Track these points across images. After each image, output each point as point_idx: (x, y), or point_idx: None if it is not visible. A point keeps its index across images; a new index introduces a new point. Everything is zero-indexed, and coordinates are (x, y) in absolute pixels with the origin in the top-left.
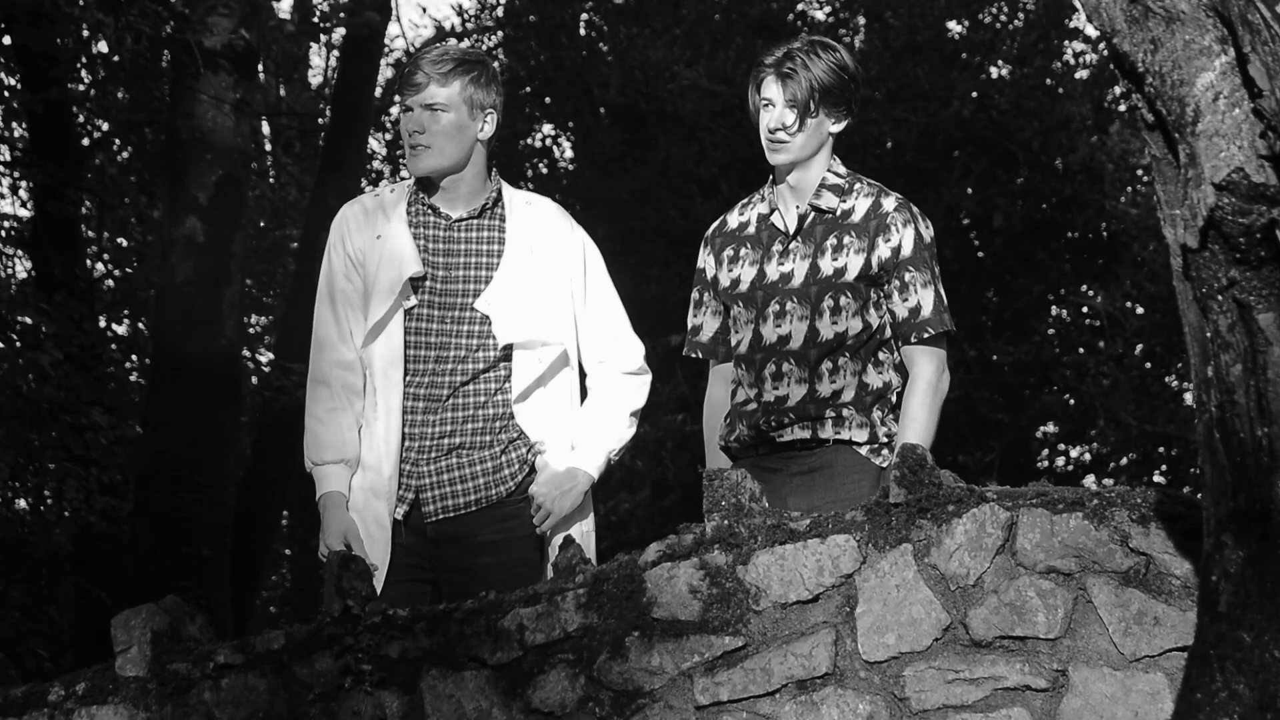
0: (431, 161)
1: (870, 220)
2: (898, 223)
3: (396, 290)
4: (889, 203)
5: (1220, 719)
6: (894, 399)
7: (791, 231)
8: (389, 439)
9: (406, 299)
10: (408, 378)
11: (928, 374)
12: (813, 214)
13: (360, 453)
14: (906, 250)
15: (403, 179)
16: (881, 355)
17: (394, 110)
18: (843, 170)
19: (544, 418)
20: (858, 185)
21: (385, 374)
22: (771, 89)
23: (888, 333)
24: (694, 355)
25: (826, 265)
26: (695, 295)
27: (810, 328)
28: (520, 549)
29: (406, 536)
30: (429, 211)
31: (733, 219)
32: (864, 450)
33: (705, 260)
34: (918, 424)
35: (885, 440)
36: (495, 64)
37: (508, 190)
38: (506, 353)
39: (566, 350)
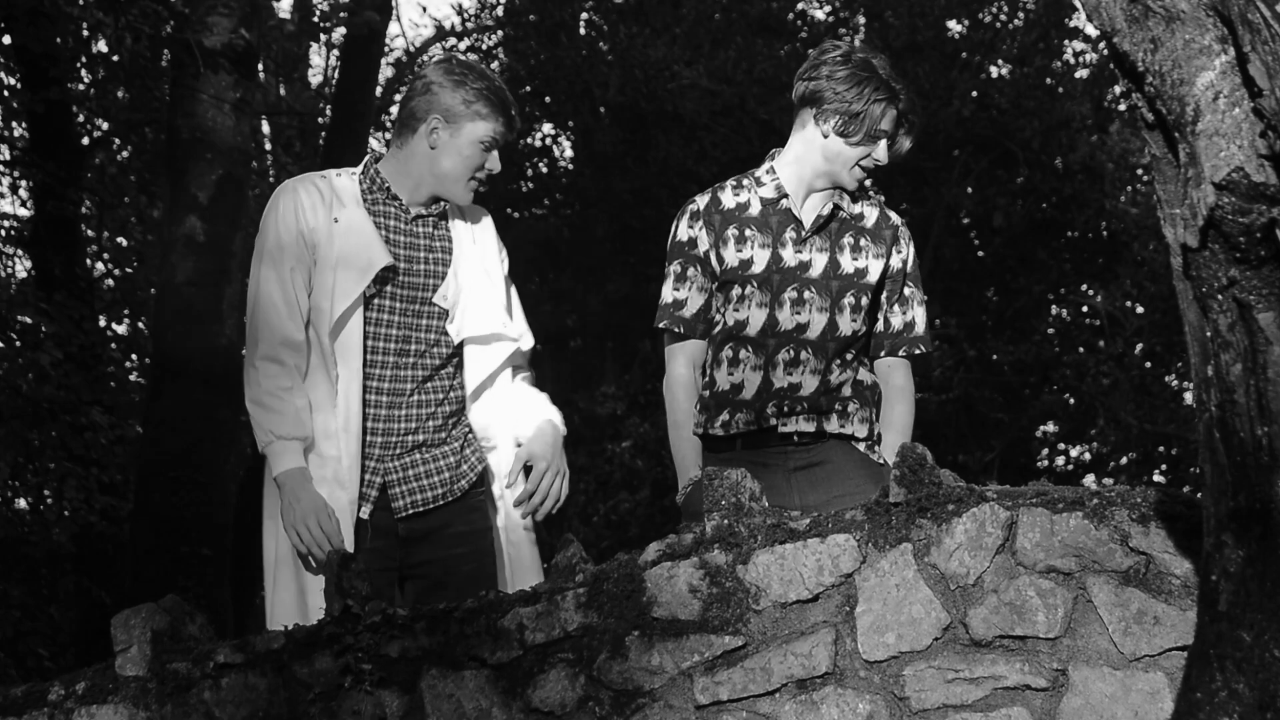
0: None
1: (884, 229)
2: (905, 237)
3: (366, 280)
4: (896, 217)
5: (1220, 718)
6: (877, 399)
7: (809, 224)
8: (349, 428)
9: (368, 291)
10: (367, 369)
11: (911, 386)
12: (832, 210)
13: (314, 439)
14: (910, 265)
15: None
16: (864, 358)
17: (476, 129)
18: None
19: (490, 414)
20: (866, 194)
21: (348, 364)
22: (892, 124)
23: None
24: (675, 329)
25: (847, 263)
26: (677, 269)
27: (830, 320)
28: (484, 540)
29: (372, 539)
30: (391, 201)
31: (727, 198)
32: (861, 446)
33: (696, 234)
34: (908, 431)
35: (878, 437)
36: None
37: None
38: (459, 348)
39: (518, 348)
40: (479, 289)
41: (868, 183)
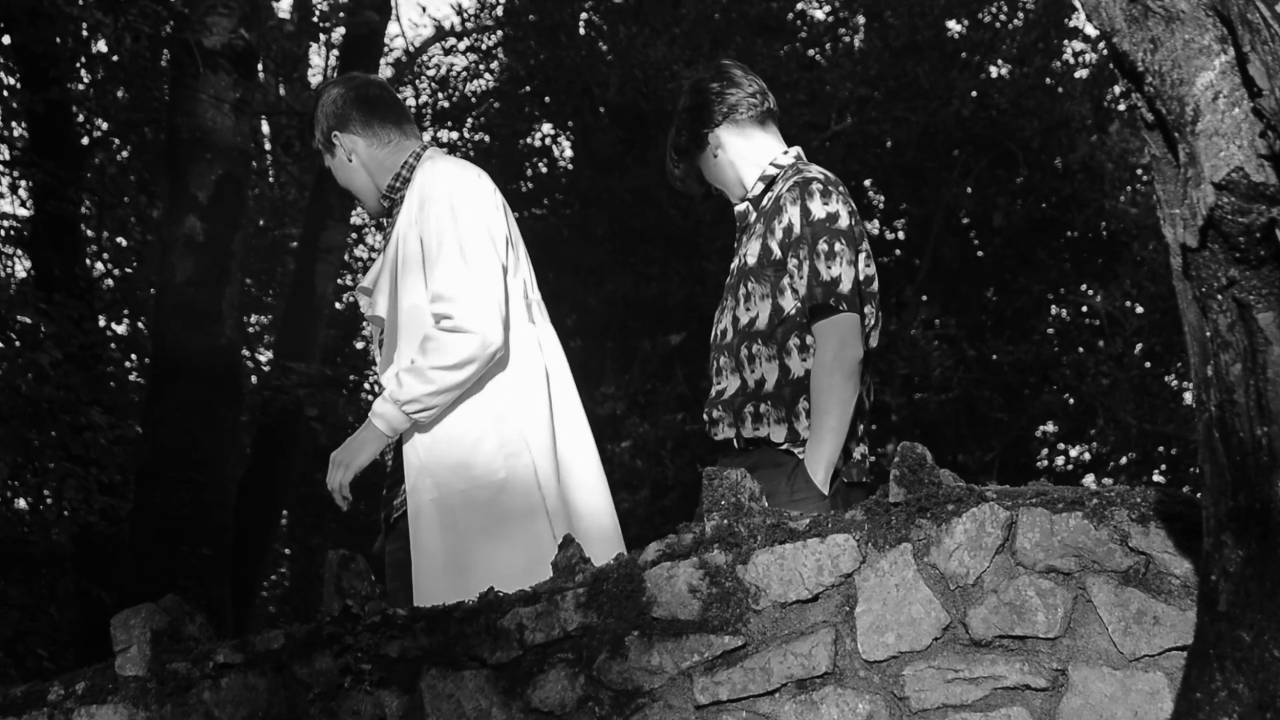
0: (367, 206)
1: (771, 205)
2: (787, 203)
3: (365, 308)
4: (786, 184)
5: (1220, 718)
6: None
7: (739, 228)
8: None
9: (368, 313)
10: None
11: (822, 352)
12: (751, 209)
13: None
14: (796, 229)
15: None
16: (809, 340)
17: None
18: (785, 160)
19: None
20: (788, 173)
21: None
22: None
23: (803, 318)
24: None
25: (744, 256)
26: None
27: (733, 317)
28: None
29: (402, 539)
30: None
31: None
32: (784, 447)
33: None
34: (817, 402)
35: (806, 434)
36: (328, 91)
37: (422, 166)
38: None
39: (398, 322)
40: (386, 274)
41: (786, 160)
